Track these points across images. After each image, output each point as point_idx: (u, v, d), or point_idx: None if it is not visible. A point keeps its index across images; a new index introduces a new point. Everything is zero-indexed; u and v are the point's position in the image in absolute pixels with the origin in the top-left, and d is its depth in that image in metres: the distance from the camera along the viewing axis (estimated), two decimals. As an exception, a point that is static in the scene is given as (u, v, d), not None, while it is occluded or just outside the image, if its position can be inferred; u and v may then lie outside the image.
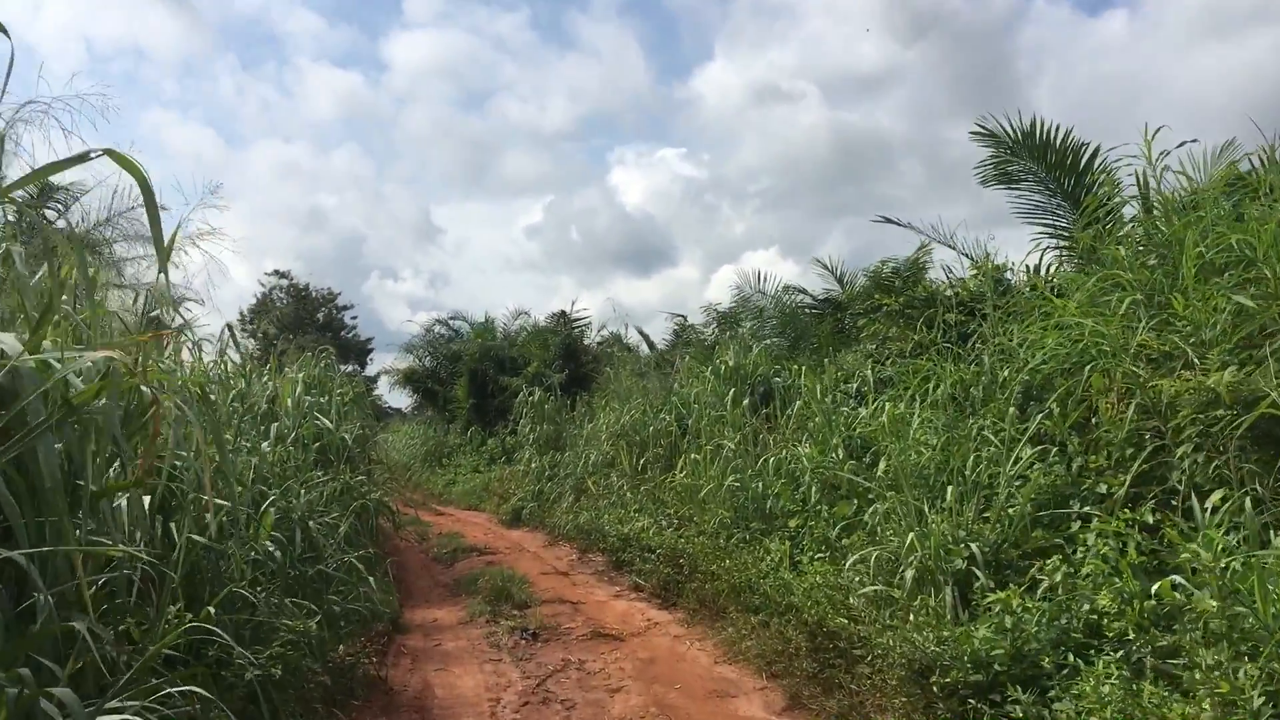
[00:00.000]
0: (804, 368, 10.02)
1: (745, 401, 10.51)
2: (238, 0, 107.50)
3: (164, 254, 2.85)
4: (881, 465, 7.01)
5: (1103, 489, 5.81)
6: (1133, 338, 6.12)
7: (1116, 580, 4.80)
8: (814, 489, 7.92)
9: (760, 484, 8.81)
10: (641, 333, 21.85)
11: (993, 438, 6.74)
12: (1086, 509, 5.68)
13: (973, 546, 5.47)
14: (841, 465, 7.53)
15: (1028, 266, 9.74)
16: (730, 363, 11.88)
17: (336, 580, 6.27)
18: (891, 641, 5.02)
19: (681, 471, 10.89)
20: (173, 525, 4.09)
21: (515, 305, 28.94)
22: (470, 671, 7.31)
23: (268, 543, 4.95)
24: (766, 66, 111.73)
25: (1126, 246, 7.35)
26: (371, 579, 6.51)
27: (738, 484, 9.08)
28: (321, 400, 10.82)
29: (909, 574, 5.51)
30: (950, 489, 5.92)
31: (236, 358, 8.59)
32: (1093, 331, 6.11)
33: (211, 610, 3.67)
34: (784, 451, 8.91)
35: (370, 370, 38.92)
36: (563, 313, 24.12)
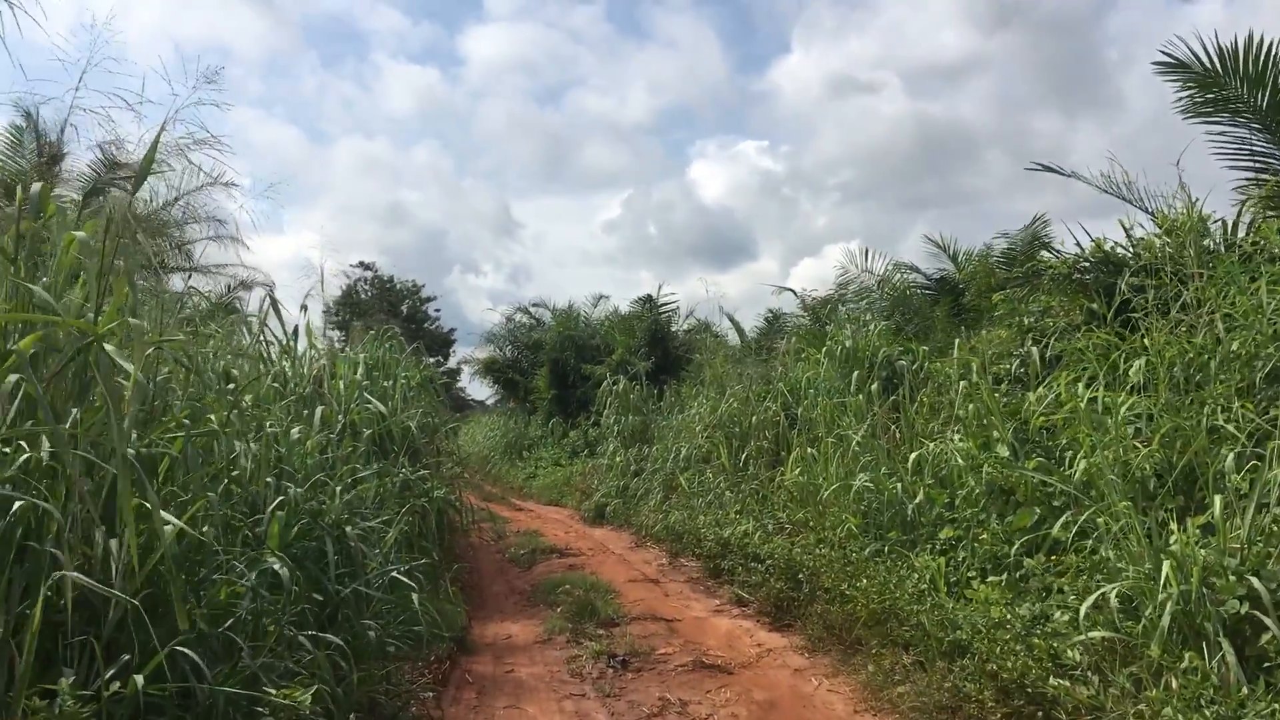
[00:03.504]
0: (958, 341, 8.29)
1: (873, 386, 8.86)
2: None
3: None
4: (1080, 464, 5.37)
5: None
6: None
7: None
8: (976, 493, 6.31)
9: (899, 485, 7.21)
10: (732, 319, 20.31)
11: (1230, 428, 5.12)
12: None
13: (1254, 581, 3.83)
14: (1025, 463, 5.87)
15: (1224, 221, 8.04)
16: (848, 343, 10.25)
17: (377, 601, 4.92)
18: (1153, 723, 3.45)
19: (794, 468, 9.34)
20: (113, 542, 2.76)
21: (596, 292, 27.32)
22: (547, 712, 5.92)
23: (273, 560, 3.62)
24: (845, 57, 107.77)
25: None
26: (415, 596, 5.12)
27: (869, 484, 7.49)
28: (385, 385, 9.61)
29: (1164, 619, 3.88)
30: (1218, 499, 4.26)
31: (280, 334, 7.35)
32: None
33: (138, 680, 2.32)
34: (929, 446, 7.28)
35: (452, 362, 38.29)
36: (649, 297, 22.59)
